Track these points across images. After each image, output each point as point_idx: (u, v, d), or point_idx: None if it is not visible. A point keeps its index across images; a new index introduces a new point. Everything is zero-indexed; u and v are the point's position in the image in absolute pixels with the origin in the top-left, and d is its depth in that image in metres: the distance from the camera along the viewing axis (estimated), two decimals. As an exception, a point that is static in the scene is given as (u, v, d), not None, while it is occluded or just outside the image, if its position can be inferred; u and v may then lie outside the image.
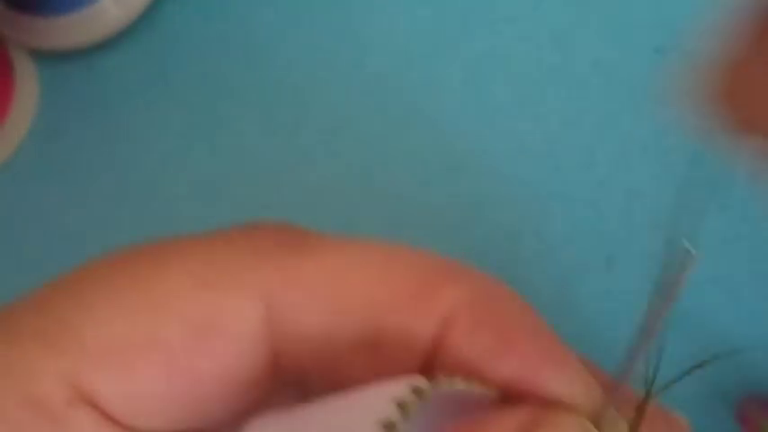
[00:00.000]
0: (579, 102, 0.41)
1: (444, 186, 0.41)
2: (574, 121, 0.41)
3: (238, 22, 0.45)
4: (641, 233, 0.39)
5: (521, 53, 0.42)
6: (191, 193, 0.42)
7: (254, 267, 0.19)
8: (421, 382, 0.17)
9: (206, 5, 0.46)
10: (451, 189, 0.41)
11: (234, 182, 0.42)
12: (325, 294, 0.19)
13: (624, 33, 0.42)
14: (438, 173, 0.41)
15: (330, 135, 0.43)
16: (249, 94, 0.44)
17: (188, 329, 0.18)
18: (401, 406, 0.16)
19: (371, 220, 0.41)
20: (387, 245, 0.19)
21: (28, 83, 0.45)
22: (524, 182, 0.40)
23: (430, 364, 0.18)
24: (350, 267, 0.19)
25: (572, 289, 0.38)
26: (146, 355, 0.18)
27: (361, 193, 0.41)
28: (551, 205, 0.40)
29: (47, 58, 0.46)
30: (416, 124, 0.42)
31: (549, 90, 0.41)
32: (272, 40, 0.45)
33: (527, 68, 0.42)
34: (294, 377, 0.20)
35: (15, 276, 0.41)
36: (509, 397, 0.18)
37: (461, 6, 0.44)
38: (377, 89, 0.43)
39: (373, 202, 0.41)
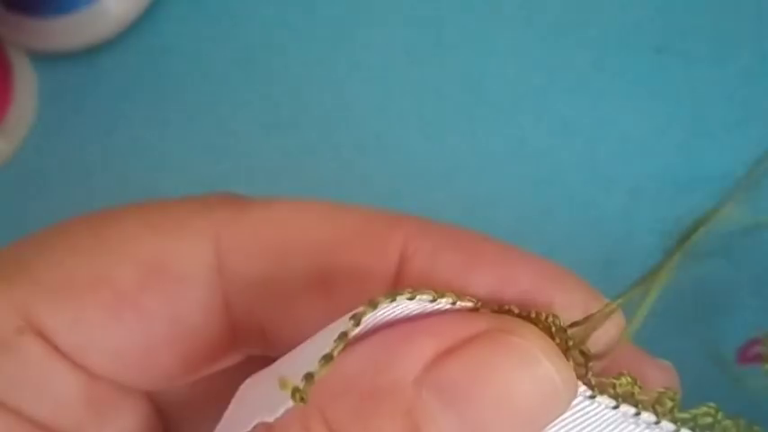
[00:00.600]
0: (579, 102, 0.41)
1: (444, 186, 0.41)
2: (574, 121, 0.41)
3: (237, 23, 0.45)
4: (641, 233, 0.39)
5: (521, 53, 0.42)
6: (190, 192, 0.42)
7: (202, 214, 0.19)
8: (378, 298, 0.17)
9: (204, 6, 0.46)
10: (451, 189, 0.41)
11: (233, 181, 0.42)
12: (271, 237, 0.19)
13: (624, 33, 0.42)
14: (438, 173, 0.41)
15: (329, 135, 0.43)
16: (248, 94, 0.44)
17: (138, 269, 0.19)
18: (355, 317, 0.16)
19: (371, 221, 0.41)
20: (334, 201, 0.20)
21: (27, 84, 0.45)
22: (524, 182, 0.40)
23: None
24: (295, 214, 0.19)
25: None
26: (95, 291, 0.18)
27: (361, 193, 0.41)
28: (551, 205, 0.40)
29: (46, 58, 0.46)
30: (416, 124, 0.42)
31: (550, 90, 0.41)
32: (272, 39, 0.45)
33: (527, 68, 0.42)
34: (250, 334, 0.20)
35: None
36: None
37: (461, 6, 0.44)
38: (377, 89, 0.43)
39: (373, 202, 0.41)
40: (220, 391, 0.19)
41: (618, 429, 0.18)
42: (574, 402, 0.18)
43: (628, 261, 0.39)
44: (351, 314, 0.16)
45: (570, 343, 0.18)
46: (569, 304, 0.19)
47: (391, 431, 0.16)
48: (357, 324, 0.16)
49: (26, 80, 0.45)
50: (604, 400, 0.18)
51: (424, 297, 0.17)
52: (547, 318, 0.18)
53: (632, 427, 0.19)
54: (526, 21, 0.43)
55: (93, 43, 0.45)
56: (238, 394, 0.18)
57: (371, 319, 0.17)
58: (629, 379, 0.19)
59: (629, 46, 0.41)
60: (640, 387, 0.19)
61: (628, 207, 0.39)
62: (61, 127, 0.45)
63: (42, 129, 0.45)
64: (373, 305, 0.17)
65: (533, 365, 0.17)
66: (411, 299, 0.17)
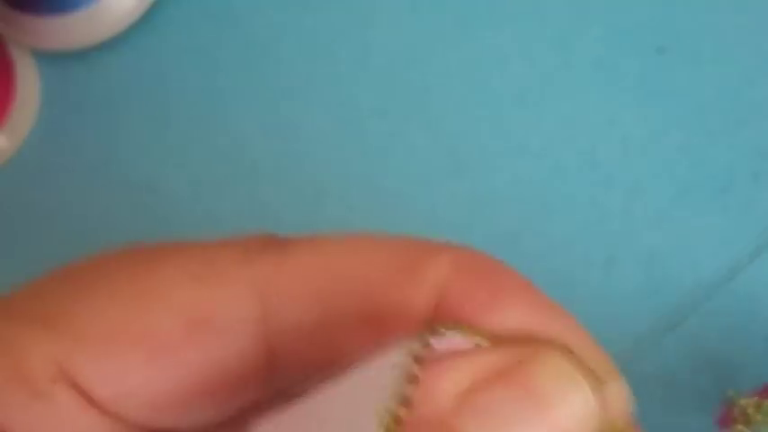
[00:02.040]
0: (580, 102, 0.41)
1: (445, 186, 0.41)
2: (574, 122, 0.41)
3: (239, 23, 0.45)
4: (641, 233, 0.39)
5: (521, 53, 0.42)
6: (191, 192, 0.42)
7: (245, 263, 0.19)
8: (413, 343, 0.17)
9: (206, 5, 0.46)
10: (452, 189, 0.41)
11: (234, 181, 0.42)
12: (316, 280, 0.19)
13: (625, 33, 0.42)
14: (439, 173, 0.41)
15: (330, 135, 0.43)
16: (249, 93, 0.44)
17: (180, 321, 0.18)
18: (416, 358, 0.16)
19: (371, 220, 0.41)
20: (369, 233, 0.20)
21: (29, 82, 0.45)
22: (525, 182, 0.40)
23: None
24: (337, 253, 0.19)
25: (572, 289, 0.38)
26: (135, 343, 0.18)
27: (362, 193, 0.41)
28: (552, 205, 0.40)
29: (48, 57, 0.46)
30: (417, 124, 0.42)
31: (550, 90, 0.41)
32: (273, 39, 0.45)
33: (528, 68, 0.42)
34: (294, 375, 0.20)
35: (16, 275, 0.41)
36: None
37: (462, 6, 0.44)
38: (377, 89, 0.43)
39: (373, 201, 0.41)
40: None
41: None
42: None
43: (628, 261, 0.39)
44: (391, 362, 0.16)
45: None
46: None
47: None
48: (422, 366, 0.16)
49: (29, 78, 0.45)
50: None
51: (459, 338, 0.17)
52: None
53: None
54: (528, 20, 0.43)
55: (95, 42, 0.45)
56: None
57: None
58: None
59: (630, 46, 0.41)
60: None
61: (628, 207, 0.39)
62: (63, 125, 0.45)
63: (45, 127, 0.45)
64: (426, 346, 0.17)
65: (571, 389, 0.17)
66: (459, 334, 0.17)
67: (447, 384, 0.16)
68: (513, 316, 0.18)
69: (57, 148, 0.45)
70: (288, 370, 0.20)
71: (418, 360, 0.16)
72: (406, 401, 0.16)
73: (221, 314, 0.19)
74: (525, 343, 0.18)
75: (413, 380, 0.16)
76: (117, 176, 0.43)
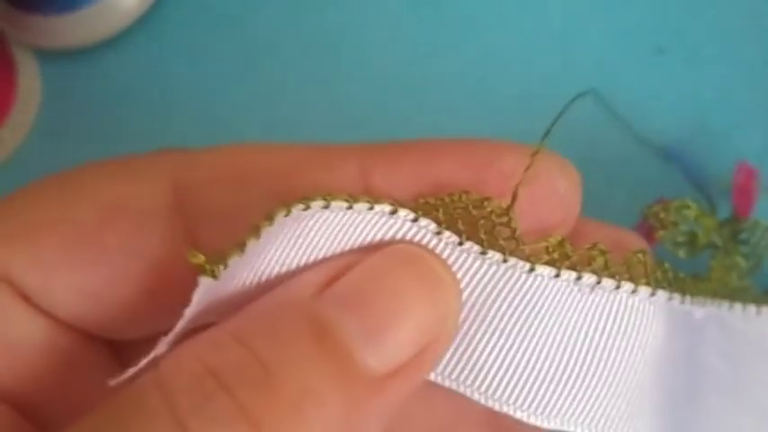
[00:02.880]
0: (582, 102, 0.41)
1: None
2: (575, 122, 0.41)
3: (239, 22, 0.46)
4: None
5: (522, 54, 0.42)
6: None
7: (161, 162, 0.20)
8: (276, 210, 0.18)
9: (207, 5, 0.46)
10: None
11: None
12: (227, 171, 0.20)
13: (625, 34, 0.42)
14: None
15: (330, 136, 0.43)
16: (250, 93, 0.44)
17: (97, 210, 0.19)
18: (267, 216, 0.17)
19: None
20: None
21: (30, 81, 0.45)
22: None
23: None
24: (248, 150, 0.20)
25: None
26: (55, 232, 0.19)
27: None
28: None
29: (49, 56, 0.46)
30: (418, 124, 0.42)
31: (551, 90, 0.41)
32: (274, 40, 0.45)
33: (528, 69, 0.42)
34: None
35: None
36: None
37: (463, 6, 0.44)
38: (378, 89, 0.43)
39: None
40: None
41: (559, 298, 0.18)
42: (512, 278, 0.18)
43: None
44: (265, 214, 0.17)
45: (495, 217, 0.18)
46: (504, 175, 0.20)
47: (297, 333, 0.16)
48: (271, 223, 0.17)
49: (30, 77, 0.45)
50: (544, 270, 0.18)
51: (339, 203, 0.18)
52: (461, 197, 0.18)
53: (575, 292, 0.19)
54: (527, 22, 0.43)
55: (96, 41, 0.45)
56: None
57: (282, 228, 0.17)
58: (558, 239, 0.19)
59: (630, 46, 0.42)
60: (572, 245, 0.19)
61: (630, 207, 0.39)
62: (65, 124, 0.45)
63: (46, 126, 0.45)
64: (272, 218, 0.17)
65: (420, 263, 0.18)
66: (326, 207, 0.18)
67: (307, 275, 0.17)
68: (445, 170, 0.19)
69: (57, 146, 0.45)
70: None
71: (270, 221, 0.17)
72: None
73: (136, 201, 0.19)
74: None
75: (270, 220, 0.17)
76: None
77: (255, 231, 0.17)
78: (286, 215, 0.17)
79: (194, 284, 0.17)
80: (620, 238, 0.21)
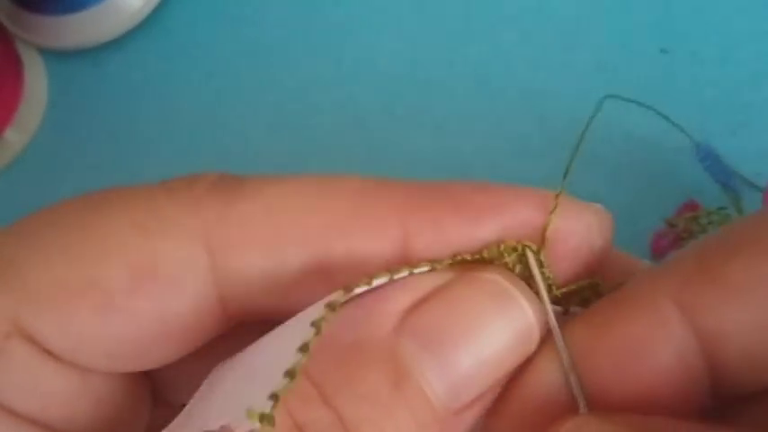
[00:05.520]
0: (584, 103, 0.41)
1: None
2: (578, 123, 0.41)
3: (245, 22, 0.46)
4: (646, 234, 0.39)
5: (525, 54, 0.42)
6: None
7: (191, 212, 0.19)
8: (351, 285, 0.17)
9: (213, 5, 0.46)
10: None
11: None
12: (263, 230, 0.19)
13: (628, 34, 0.42)
14: (442, 173, 0.41)
15: (335, 136, 0.43)
16: (255, 93, 0.44)
17: (127, 272, 0.19)
18: (330, 305, 0.17)
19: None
20: (315, 176, 0.20)
21: (37, 81, 0.46)
22: (528, 182, 0.40)
23: None
24: (285, 201, 0.19)
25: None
26: (83, 295, 0.18)
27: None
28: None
29: (56, 56, 0.46)
30: (422, 125, 0.42)
31: (554, 90, 0.41)
32: (279, 39, 0.45)
33: (532, 69, 0.42)
34: (246, 318, 0.20)
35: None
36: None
37: (466, 6, 0.44)
38: (382, 90, 0.43)
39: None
40: (208, 353, 0.20)
41: None
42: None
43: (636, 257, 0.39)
44: (326, 301, 0.17)
45: (537, 268, 0.18)
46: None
47: (374, 378, 0.16)
48: (333, 311, 0.17)
49: (36, 77, 0.46)
50: (576, 310, 0.19)
51: (402, 273, 0.18)
52: (499, 247, 0.18)
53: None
54: (533, 21, 0.43)
55: (102, 41, 0.45)
56: (210, 379, 0.19)
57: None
58: (589, 282, 0.19)
59: (633, 46, 0.41)
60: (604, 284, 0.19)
61: (633, 207, 0.39)
62: (71, 123, 0.45)
63: (52, 125, 0.45)
64: (348, 290, 0.17)
65: (507, 304, 0.17)
66: (390, 279, 0.18)
67: (387, 306, 0.17)
68: (490, 233, 0.19)
69: (64, 145, 0.45)
70: (245, 317, 0.20)
71: (348, 291, 0.17)
72: (317, 325, 0.16)
73: (167, 263, 0.19)
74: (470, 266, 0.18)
75: (333, 308, 0.17)
76: (124, 174, 0.43)
77: (332, 306, 0.17)
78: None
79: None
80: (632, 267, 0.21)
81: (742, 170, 0.39)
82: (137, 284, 0.19)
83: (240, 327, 0.20)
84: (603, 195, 0.39)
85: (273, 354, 0.17)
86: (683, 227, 0.31)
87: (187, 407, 0.18)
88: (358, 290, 0.17)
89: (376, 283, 0.17)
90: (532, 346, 0.18)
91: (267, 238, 0.19)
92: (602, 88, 0.41)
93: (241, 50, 0.45)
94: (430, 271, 0.18)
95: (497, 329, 0.17)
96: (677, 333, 0.17)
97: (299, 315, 0.18)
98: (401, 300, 0.17)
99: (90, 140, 0.44)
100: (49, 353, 0.19)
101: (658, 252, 0.35)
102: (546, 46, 0.42)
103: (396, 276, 0.18)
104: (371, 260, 0.19)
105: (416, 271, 0.18)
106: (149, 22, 0.45)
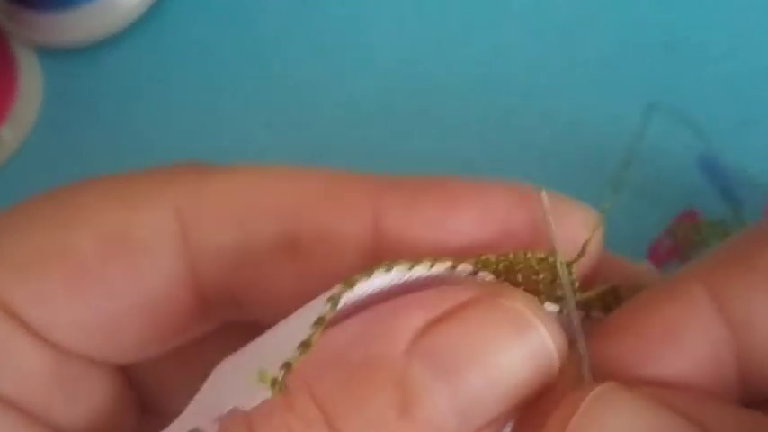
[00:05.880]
0: (587, 101, 0.41)
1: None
2: (581, 121, 0.41)
3: (243, 20, 0.45)
4: (649, 233, 0.39)
5: (528, 52, 0.42)
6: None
7: (166, 186, 0.19)
8: (354, 276, 0.17)
9: (210, 3, 0.46)
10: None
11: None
12: (235, 204, 0.19)
13: (632, 31, 0.42)
14: (443, 172, 0.41)
15: (335, 135, 0.42)
16: (253, 91, 0.44)
17: (100, 240, 0.19)
18: (332, 298, 0.16)
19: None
20: (294, 166, 0.20)
21: (32, 78, 0.45)
22: (531, 181, 0.40)
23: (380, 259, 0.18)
24: (258, 181, 0.20)
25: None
26: (56, 263, 0.19)
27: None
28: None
29: (51, 53, 0.46)
30: (422, 123, 0.42)
31: (557, 88, 0.41)
32: (277, 38, 0.45)
33: (534, 68, 0.42)
34: (221, 301, 0.20)
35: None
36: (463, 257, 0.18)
37: (468, 4, 0.44)
38: (382, 88, 0.43)
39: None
40: (195, 362, 0.19)
41: None
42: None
43: (635, 261, 0.39)
44: (328, 295, 0.16)
45: (563, 275, 0.18)
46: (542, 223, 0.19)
47: (382, 403, 0.16)
48: (335, 305, 0.16)
49: (32, 74, 0.45)
50: (596, 314, 0.18)
51: (402, 267, 0.17)
52: (526, 254, 0.18)
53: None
54: (535, 18, 0.43)
55: (98, 38, 0.45)
56: (212, 376, 0.18)
57: (349, 297, 0.17)
58: (609, 287, 0.19)
59: (638, 43, 0.41)
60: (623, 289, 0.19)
61: (635, 207, 0.39)
62: (66, 121, 0.45)
63: (47, 123, 0.45)
64: (350, 284, 0.17)
65: (527, 333, 0.17)
66: (388, 270, 0.17)
67: (401, 322, 0.16)
68: (463, 223, 0.18)
69: (59, 143, 0.45)
70: (220, 299, 0.20)
71: (350, 285, 0.17)
72: (320, 322, 0.16)
73: (140, 232, 0.19)
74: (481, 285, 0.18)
75: (334, 303, 0.16)
76: (121, 171, 0.43)
77: (334, 300, 0.16)
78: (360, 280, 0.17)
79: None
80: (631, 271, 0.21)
81: (747, 167, 0.39)
82: (109, 251, 0.19)
83: (224, 334, 0.20)
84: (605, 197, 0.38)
85: (279, 344, 0.17)
86: (683, 236, 0.31)
87: (190, 404, 0.18)
88: (359, 284, 0.17)
89: (375, 274, 0.17)
90: (553, 374, 0.17)
91: (239, 211, 0.19)
92: (606, 86, 0.41)
93: (239, 47, 0.45)
94: (452, 267, 0.18)
95: (514, 357, 0.16)
96: (710, 321, 0.17)
97: (298, 311, 0.17)
98: (415, 318, 0.17)
99: (86, 139, 0.44)
100: (25, 326, 0.19)
101: (655, 260, 0.34)
102: (548, 44, 0.42)
103: (395, 268, 0.17)
104: (341, 239, 0.18)
105: (437, 265, 0.17)
106: (146, 18, 0.45)
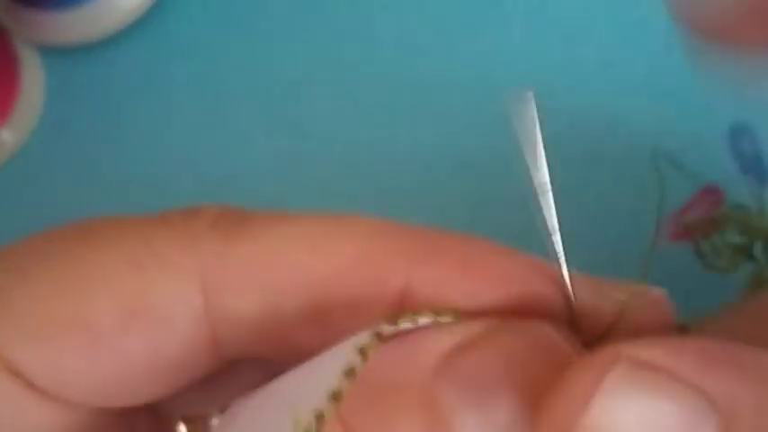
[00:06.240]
0: (588, 100, 0.41)
1: (450, 185, 0.41)
2: (583, 120, 0.41)
3: (243, 18, 0.45)
4: (648, 233, 0.39)
5: (529, 51, 0.42)
6: (196, 188, 0.42)
7: (188, 251, 0.18)
8: (382, 326, 0.17)
9: (213, 2, 0.46)
10: (458, 187, 0.41)
11: (238, 179, 0.42)
12: (261, 274, 0.18)
13: (634, 32, 0.42)
14: (444, 171, 0.41)
15: (335, 133, 0.42)
16: (254, 89, 0.44)
17: (118, 310, 0.18)
18: (362, 351, 0.16)
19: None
20: (322, 216, 0.19)
21: (34, 77, 0.45)
22: (531, 179, 0.40)
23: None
24: (285, 244, 0.19)
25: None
26: (71, 331, 0.18)
27: (366, 192, 0.41)
28: (558, 205, 0.39)
29: (53, 52, 0.46)
30: (423, 122, 0.42)
31: (558, 88, 0.41)
32: (277, 35, 0.45)
33: (535, 67, 0.42)
34: (240, 356, 0.19)
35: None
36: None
37: (469, 3, 0.44)
38: (383, 87, 0.43)
39: (378, 200, 0.41)
40: (214, 385, 0.19)
41: None
42: None
43: (633, 261, 0.39)
44: (358, 347, 0.16)
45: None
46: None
47: (410, 425, 0.16)
48: (365, 358, 0.16)
49: (34, 73, 0.45)
50: None
51: (425, 320, 0.17)
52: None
53: None
54: (534, 17, 0.43)
55: (100, 37, 0.45)
56: (230, 414, 0.18)
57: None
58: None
59: (638, 43, 0.41)
60: None
61: (636, 207, 0.39)
62: (68, 121, 0.45)
63: (50, 122, 0.45)
64: (379, 337, 0.16)
65: (552, 352, 0.17)
66: (413, 323, 0.17)
67: (430, 345, 0.16)
68: (492, 299, 0.18)
69: (61, 143, 0.45)
70: (239, 355, 0.19)
71: (379, 337, 0.16)
72: (351, 374, 0.16)
73: (160, 303, 0.18)
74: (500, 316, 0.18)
75: (364, 356, 0.16)
76: (121, 172, 0.43)
77: (364, 354, 0.16)
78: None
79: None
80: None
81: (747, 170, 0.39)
82: (126, 323, 0.18)
83: (240, 360, 0.20)
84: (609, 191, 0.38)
85: (306, 389, 0.17)
86: (694, 228, 0.31)
87: None
88: (403, 325, 0.17)
89: (401, 325, 0.17)
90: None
91: (266, 282, 0.18)
92: (607, 86, 0.41)
93: (240, 46, 0.45)
94: (456, 317, 0.18)
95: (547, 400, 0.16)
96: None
97: (324, 354, 0.17)
98: (445, 341, 0.16)
99: (87, 140, 0.44)
100: (34, 387, 0.18)
101: (676, 239, 0.34)
102: (549, 43, 0.42)
103: (420, 320, 0.17)
104: (371, 307, 0.18)
105: (443, 318, 0.17)
106: (147, 18, 0.45)
